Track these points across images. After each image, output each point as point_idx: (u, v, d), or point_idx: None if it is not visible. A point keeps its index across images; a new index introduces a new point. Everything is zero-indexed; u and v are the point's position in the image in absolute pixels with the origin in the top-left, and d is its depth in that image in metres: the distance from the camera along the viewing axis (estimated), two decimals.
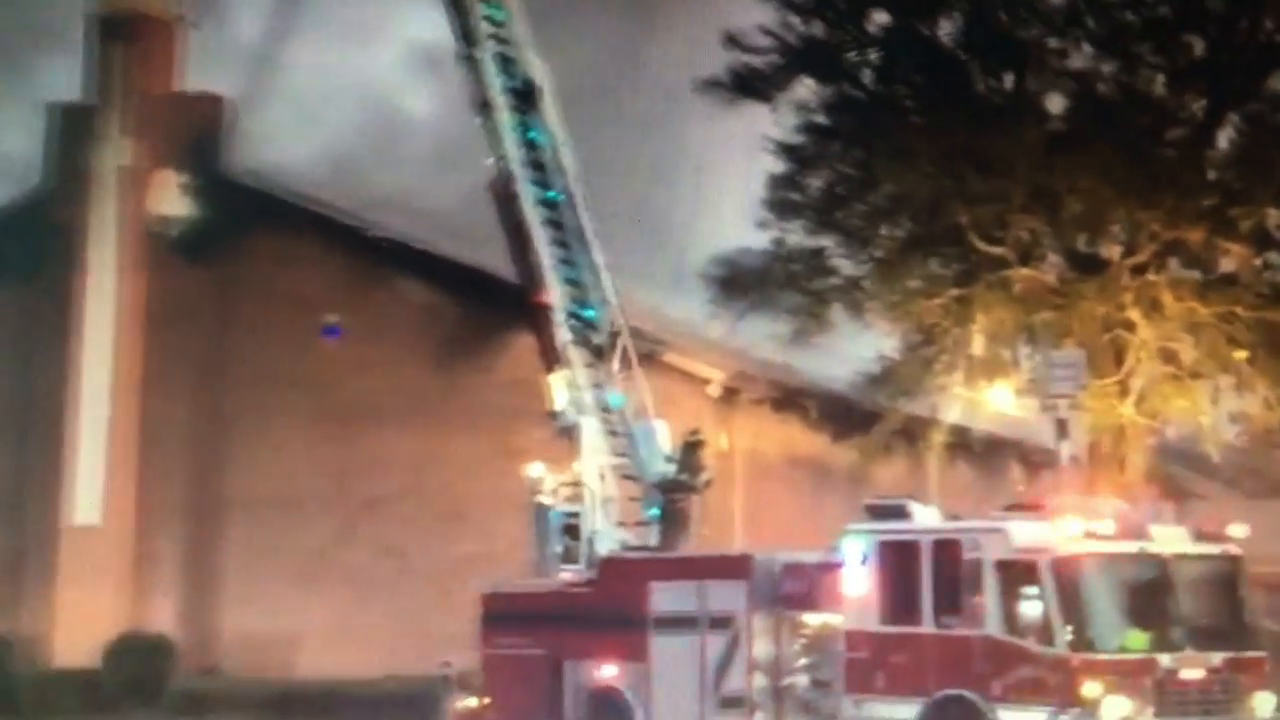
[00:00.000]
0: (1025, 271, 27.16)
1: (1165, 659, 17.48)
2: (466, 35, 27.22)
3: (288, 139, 39.57)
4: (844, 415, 30.61)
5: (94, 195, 38.13)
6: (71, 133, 39.06)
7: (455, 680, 22.98)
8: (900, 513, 19.63)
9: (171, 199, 38.21)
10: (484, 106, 26.67)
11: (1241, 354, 26.14)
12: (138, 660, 33.73)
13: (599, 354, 25.59)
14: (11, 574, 37.05)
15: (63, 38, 41.23)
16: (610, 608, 21.90)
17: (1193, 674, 17.58)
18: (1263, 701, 17.94)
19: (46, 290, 37.99)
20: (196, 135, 38.84)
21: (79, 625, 34.94)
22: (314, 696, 31.28)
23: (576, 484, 24.46)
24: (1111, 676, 17.14)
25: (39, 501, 36.95)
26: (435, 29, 28.63)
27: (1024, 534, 17.93)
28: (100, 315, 37.54)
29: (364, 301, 36.04)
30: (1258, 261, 27.15)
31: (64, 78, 40.33)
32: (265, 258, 37.78)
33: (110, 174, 38.27)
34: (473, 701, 22.67)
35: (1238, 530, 18.82)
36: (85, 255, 37.83)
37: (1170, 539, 18.46)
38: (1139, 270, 26.77)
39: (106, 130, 38.50)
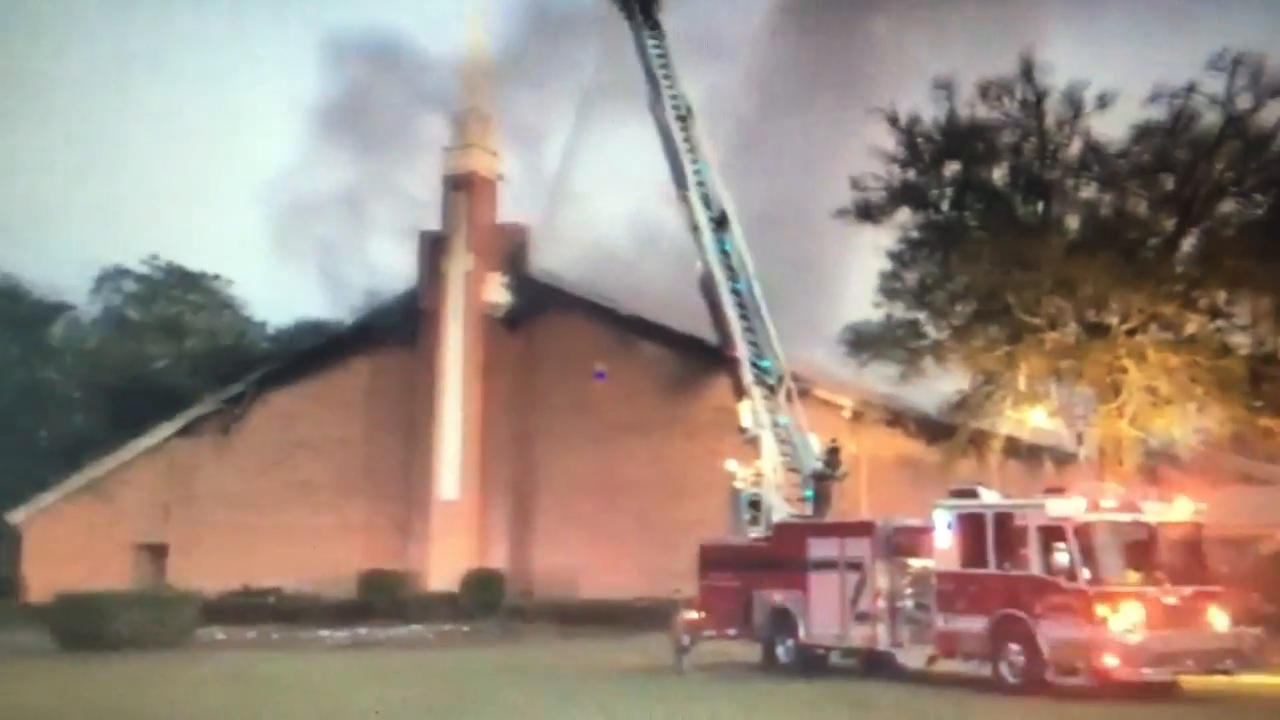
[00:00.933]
0: (1053, 334, 26.56)
1: (1151, 590, 17.26)
2: (680, 182, 27.67)
3: (569, 247, 40.03)
4: (934, 430, 30.18)
5: (448, 291, 39.11)
6: (434, 250, 39.86)
7: (683, 601, 22.72)
8: (972, 494, 19.52)
9: (497, 292, 38.95)
10: (694, 229, 27.02)
11: (1201, 389, 25.59)
12: (482, 587, 34.47)
13: (771, 390, 25.56)
14: (402, 531, 37.93)
15: (426, 191, 42.04)
16: (782, 555, 21.91)
17: (1170, 600, 17.27)
18: (1218, 619, 17.55)
19: (420, 351, 39.01)
20: (511, 250, 39.45)
21: (444, 564, 35.93)
22: (592, 610, 31.52)
23: (758, 474, 24.47)
24: (1115, 601, 16.96)
25: (420, 483, 37.98)
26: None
27: (1056, 508, 17.77)
28: (453, 366, 38.48)
29: (619, 355, 36.43)
30: (1211, 327, 26.53)
31: (429, 216, 41.31)
32: (556, 328, 38.44)
33: (458, 277, 39.21)
34: (694, 615, 22.45)
35: (1199, 505, 18.54)
36: (443, 328, 38.81)
37: (1154, 510, 18.20)
38: (1130, 333, 26.07)
39: (455, 249, 39.44)
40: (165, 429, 42.97)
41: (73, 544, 41.17)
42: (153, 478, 42.47)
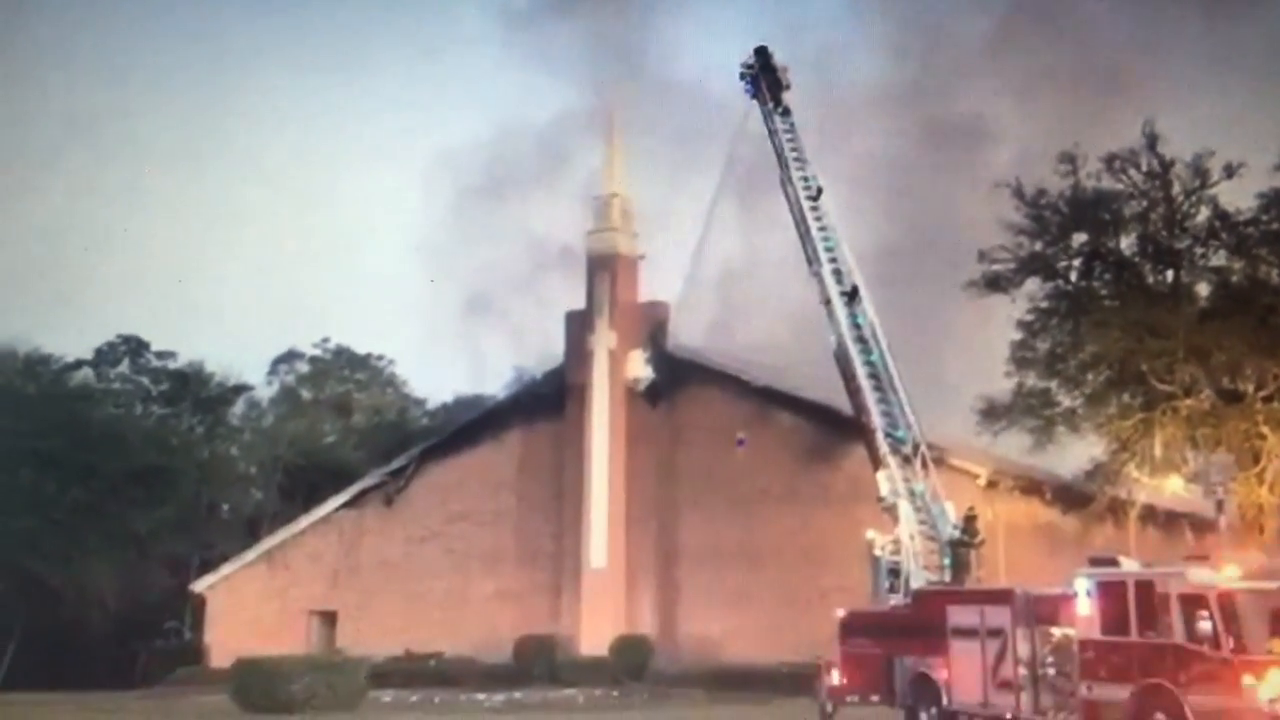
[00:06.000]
0: (1189, 401, 26.00)
1: None
2: (811, 258, 27.55)
3: (708, 322, 40.14)
4: (1070, 497, 29.46)
5: (593, 367, 39.11)
6: (579, 328, 39.85)
7: (825, 666, 22.44)
8: (1112, 562, 18.97)
9: (639, 367, 38.74)
10: (826, 303, 26.84)
11: None
12: (630, 652, 34.19)
13: (907, 459, 25.06)
14: (553, 598, 37.88)
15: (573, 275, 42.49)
16: (922, 622, 21.46)
17: None
18: None
19: (569, 423, 39.11)
20: (652, 327, 39.11)
21: (594, 630, 35.67)
22: (736, 675, 31.11)
23: (897, 542, 24.03)
24: (1261, 670, 16.28)
25: (570, 552, 37.80)
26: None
27: (1197, 576, 17.26)
28: (600, 437, 38.40)
29: (756, 426, 35.97)
30: None
31: (574, 296, 41.72)
32: (695, 400, 38.17)
33: (603, 353, 39.01)
34: (838, 680, 22.18)
35: None
36: (589, 403, 38.81)
37: None
38: (1267, 400, 25.43)
39: (599, 326, 39.46)
40: (334, 501, 43.89)
41: (251, 611, 42.13)
42: (323, 547, 43.40)
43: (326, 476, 46.36)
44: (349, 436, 55.66)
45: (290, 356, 58.27)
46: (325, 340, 58.54)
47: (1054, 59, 42.74)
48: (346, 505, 43.59)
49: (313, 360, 58.42)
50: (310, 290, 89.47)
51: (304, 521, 44.24)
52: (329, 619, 42.37)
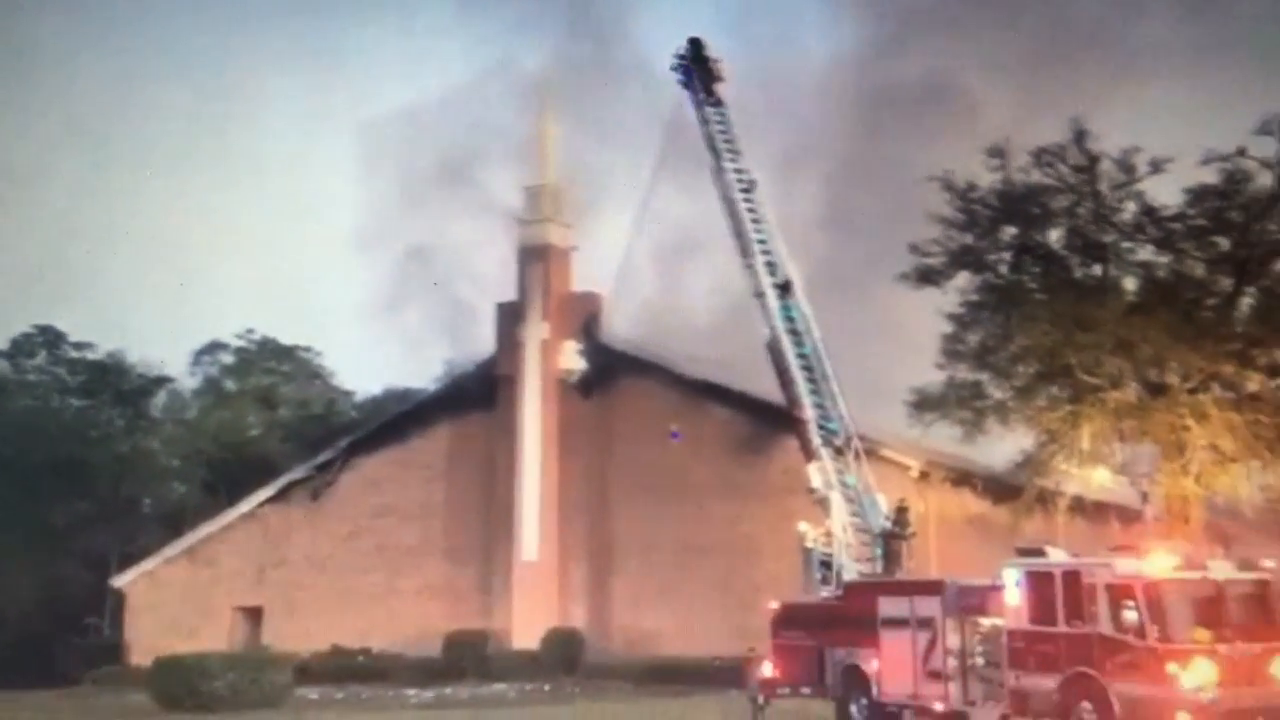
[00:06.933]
0: (1115, 394, 26.30)
1: (1221, 647, 16.86)
2: (744, 250, 27.67)
3: (640, 314, 40.11)
4: (1000, 488, 29.78)
5: (525, 357, 39.08)
6: (511, 319, 39.82)
7: (757, 659, 22.55)
8: (1040, 553, 19.22)
9: (572, 359, 38.72)
10: (759, 295, 26.98)
11: (1264, 446, 25.16)
12: (562, 645, 34.19)
13: (839, 451, 25.32)
14: (484, 592, 37.78)
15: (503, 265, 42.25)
16: (853, 614, 21.62)
17: (1240, 657, 16.90)
18: None
19: (500, 415, 39.02)
20: (584, 318, 39.27)
21: (526, 624, 35.64)
22: (669, 668, 31.24)
23: (829, 534, 24.22)
24: (1186, 658, 16.62)
25: (501, 545, 37.76)
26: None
27: (1124, 566, 17.56)
28: (531, 430, 38.33)
29: (689, 418, 35.65)
30: (1273, 384, 26.09)
31: (505, 288, 41.50)
32: (628, 392, 38.17)
33: (534, 344, 39.02)
34: (769, 673, 22.26)
35: (1268, 562, 18.21)
36: (520, 395, 38.75)
37: (1221, 568, 17.88)
38: (1192, 392, 25.79)
39: (531, 317, 39.48)
40: (259, 495, 43.40)
41: (173, 607, 41.64)
42: (248, 542, 42.91)
43: (251, 470, 45.74)
44: (275, 429, 54.92)
45: (213, 348, 57.43)
46: (250, 331, 57.78)
47: (987, 46, 43.13)
48: (272, 499, 43.13)
49: (237, 351, 57.56)
50: (235, 279, 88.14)
51: (228, 516, 43.71)
52: (254, 615, 41.90)
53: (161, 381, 55.95)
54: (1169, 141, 27.63)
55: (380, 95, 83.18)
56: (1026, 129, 29.92)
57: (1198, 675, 16.52)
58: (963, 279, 29.61)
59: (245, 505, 43.45)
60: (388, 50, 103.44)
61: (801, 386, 26.00)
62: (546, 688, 31.33)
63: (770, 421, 31.44)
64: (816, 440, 25.39)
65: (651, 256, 39.06)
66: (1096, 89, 35.62)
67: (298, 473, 43.33)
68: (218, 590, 42.35)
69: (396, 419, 43.83)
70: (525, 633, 35.36)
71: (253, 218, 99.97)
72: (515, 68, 46.87)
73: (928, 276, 29.75)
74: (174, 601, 41.94)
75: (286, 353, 58.39)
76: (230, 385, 57.36)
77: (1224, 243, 26.80)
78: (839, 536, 24.16)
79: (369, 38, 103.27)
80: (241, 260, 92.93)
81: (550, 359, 38.87)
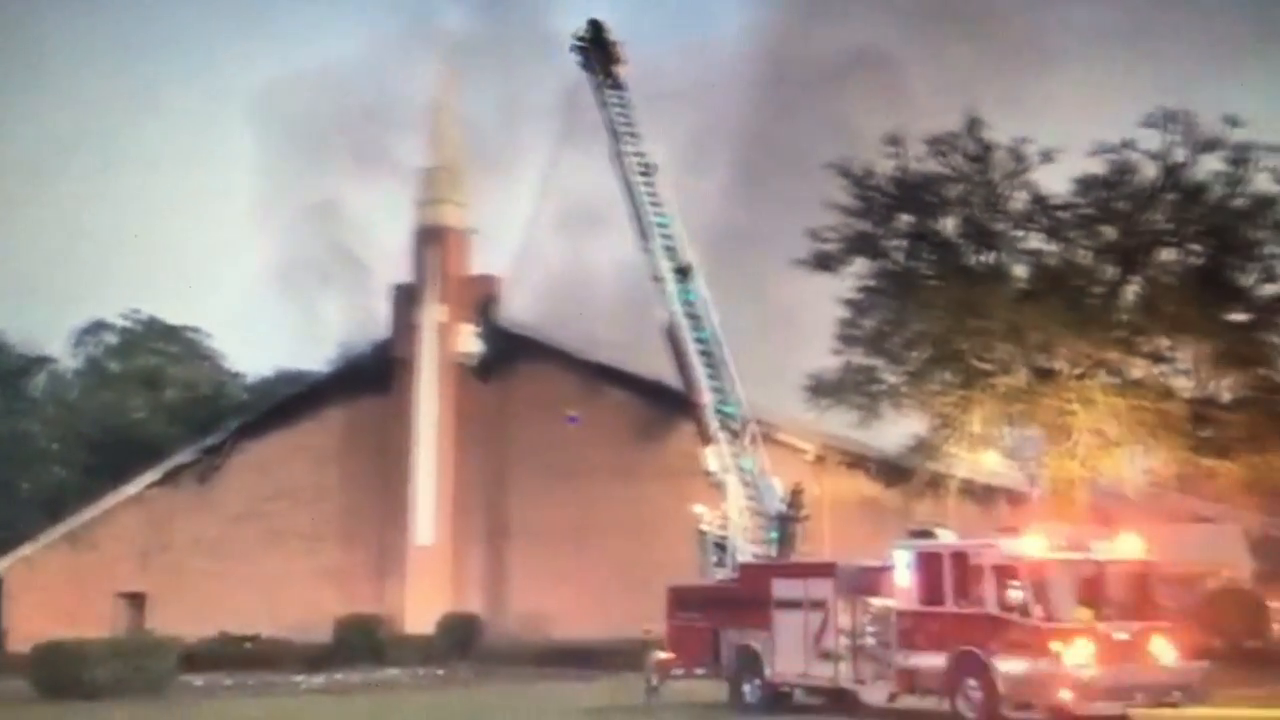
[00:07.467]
0: (1005, 379, 26.91)
1: (1102, 626, 17.28)
2: (643, 233, 27.49)
3: (539, 297, 40.07)
4: (893, 472, 30.23)
5: (421, 341, 38.98)
6: (407, 301, 39.71)
7: (653, 641, 22.68)
8: (930, 534, 19.58)
9: (468, 342, 38.86)
10: (657, 279, 26.93)
11: (1146, 431, 25.91)
12: (456, 630, 34.14)
13: (736, 435, 25.34)
14: (377, 577, 37.58)
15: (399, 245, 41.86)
16: (748, 596, 21.78)
17: (1120, 636, 17.32)
18: (1166, 653, 17.57)
19: (396, 398, 38.83)
20: (481, 300, 39.34)
21: (420, 609, 35.53)
22: (565, 652, 31.27)
23: (725, 518, 24.41)
24: (1067, 637, 16.99)
25: (395, 529, 37.62)
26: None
27: (1010, 547, 17.85)
28: (428, 413, 38.26)
29: (587, 402, 35.97)
30: (1155, 371, 26.89)
31: (400, 269, 41.18)
32: (526, 375, 38.28)
33: (430, 327, 38.98)
34: (663, 654, 22.39)
35: (1147, 543, 18.56)
36: (416, 378, 38.63)
37: (1104, 549, 18.24)
38: (1079, 378, 26.50)
39: (427, 299, 39.29)
40: (144, 479, 42.54)
41: (53, 593, 40.64)
42: (132, 527, 42.05)
43: (136, 453, 44.61)
44: (161, 412, 53.57)
45: (97, 327, 55.79)
46: (135, 311, 56.26)
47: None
48: (158, 483, 42.34)
49: (122, 331, 56.05)
50: (120, 256, 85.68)
51: (111, 500, 42.66)
52: (138, 601, 41.05)
53: (42, 362, 54.22)
54: (1064, 132, 28.32)
55: (279, 66, 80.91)
56: (926, 117, 30.45)
57: (1079, 653, 16.90)
58: (859, 265, 30.05)
59: (129, 489, 42.55)
60: (288, 15, 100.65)
61: (699, 371, 26.04)
62: (440, 672, 31.11)
63: (668, 405, 31.45)
64: (714, 424, 25.46)
65: (553, 238, 39.10)
66: (994, 80, 36.25)
67: (185, 456, 42.52)
68: (100, 576, 41.42)
69: (288, 401, 43.20)
70: (419, 617, 35.15)
71: (140, 195, 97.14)
72: (421, 36, 46.24)
73: (825, 262, 30.11)
74: (54, 587, 40.93)
75: (173, 333, 56.95)
76: (114, 366, 55.83)
77: (1111, 232, 27.53)
78: (734, 519, 24.33)
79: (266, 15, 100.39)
80: (127, 237, 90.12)
81: (447, 342, 38.72)
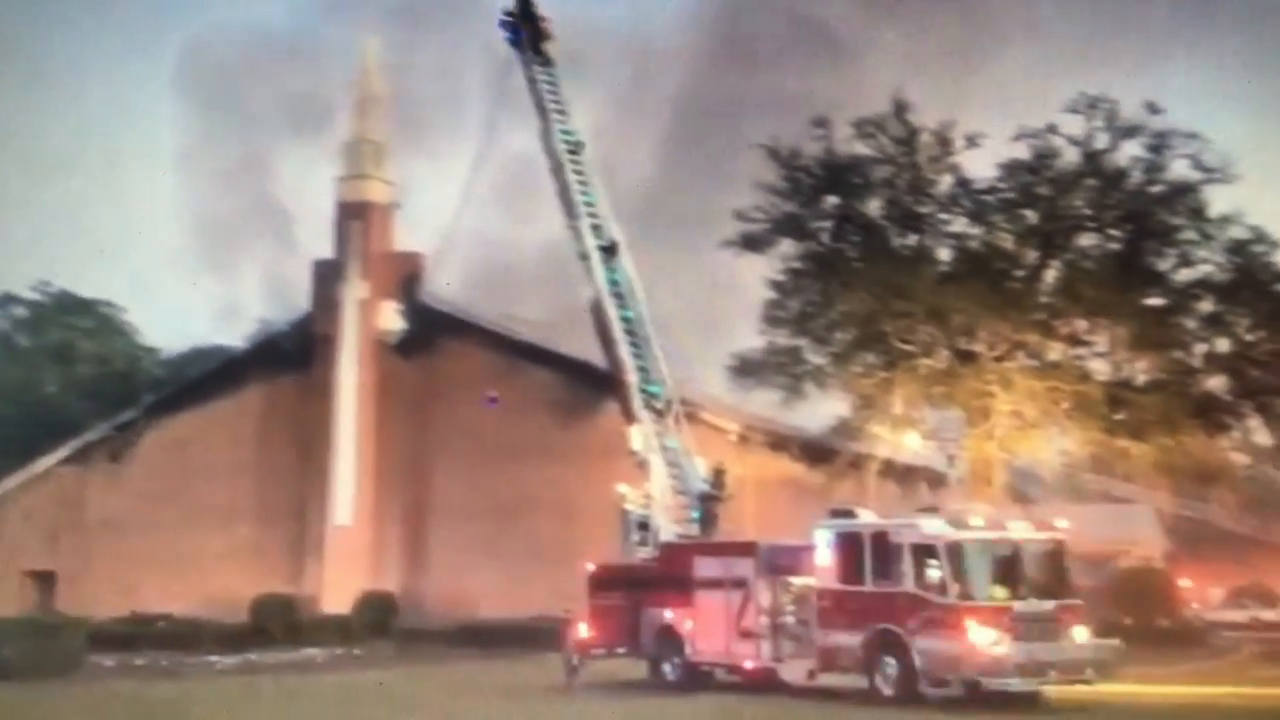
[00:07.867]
0: (927, 361, 27.28)
1: (1016, 605, 17.60)
2: (569, 212, 27.39)
3: (462, 276, 39.65)
4: (816, 452, 30.46)
5: (342, 317, 38.37)
6: (328, 277, 39.00)
7: (573, 620, 22.63)
8: (851, 514, 19.81)
9: (391, 319, 38.34)
10: (583, 256, 26.81)
11: (1062, 413, 26.34)
12: (374, 609, 33.71)
13: (660, 414, 25.30)
14: (297, 556, 37.02)
15: (317, 218, 41.27)
16: (669, 575, 21.88)
17: (1035, 614, 17.63)
18: (1079, 632, 17.99)
19: (315, 375, 38.23)
20: (405, 277, 38.72)
21: (338, 588, 35.00)
22: (485, 631, 31.02)
23: (648, 497, 24.34)
24: (983, 615, 17.33)
25: (313, 508, 36.96)
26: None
27: (929, 527, 18.16)
28: (348, 390, 37.61)
29: (511, 380, 35.60)
30: (1071, 354, 27.30)
31: (323, 244, 40.65)
32: (448, 354, 37.79)
33: (352, 303, 38.25)
34: (585, 634, 22.40)
35: (1062, 523, 18.99)
36: (337, 355, 38.00)
37: (1019, 529, 18.61)
38: (998, 360, 26.92)
39: (349, 276, 38.65)
40: (53, 456, 41.56)
41: None
42: (40, 504, 41.06)
43: (45, 430, 43.58)
44: (72, 388, 52.40)
45: (6, 300, 54.44)
46: (45, 284, 54.93)
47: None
48: (68, 460, 41.33)
49: (31, 305, 54.70)
50: (29, 226, 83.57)
51: (19, 477, 41.66)
52: (48, 580, 40.13)
53: None
54: (988, 118, 28.68)
55: (205, 30, 79.11)
56: (856, 100, 30.67)
57: (993, 631, 17.20)
58: (786, 247, 30.20)
59: (37, 466, 41.54)
60: None
61: (624, 349, 25.93)
62: (357, 652, 30.83)
63: (593, 384, 31.36)
64: (638, 403, 25.40)
65: (480, 213, 38.65)
66: (923, 65, 36.58)
67: (96, 433, 41.57)
68: (8, 554, 40.44)
69: (205, 377, 42.41)
70: (337, 597, 34.69)
71: (50, 159, 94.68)
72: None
73: (751, 243, 30.22)
74: None
75: (86, 307, 55.69)
76: (24, 341, 54.51)
77: (1032, 216, 27.96)
78: (658, 498, 24.31)
79: None
80: (39, 208, 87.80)
81: (369, 319, 38.14)
